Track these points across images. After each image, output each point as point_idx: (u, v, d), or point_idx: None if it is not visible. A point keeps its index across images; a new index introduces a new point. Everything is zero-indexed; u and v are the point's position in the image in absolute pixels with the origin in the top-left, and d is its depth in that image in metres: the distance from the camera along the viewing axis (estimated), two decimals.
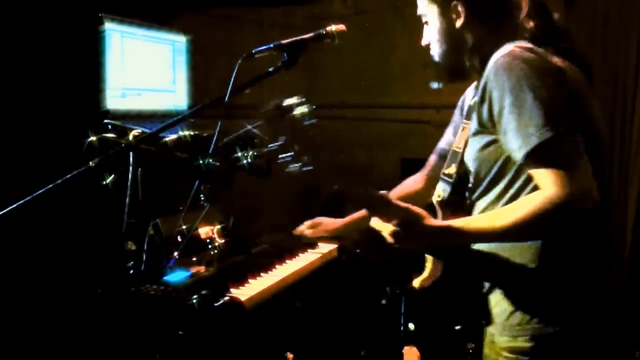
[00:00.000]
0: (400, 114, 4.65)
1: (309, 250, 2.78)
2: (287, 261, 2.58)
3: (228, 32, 4.35)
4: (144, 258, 2.16)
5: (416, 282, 1.70)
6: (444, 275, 1.67)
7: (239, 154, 2.35)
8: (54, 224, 2.27)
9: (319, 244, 2.87)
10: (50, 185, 1.55)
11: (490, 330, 1.67)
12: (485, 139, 1.56)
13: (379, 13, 4.64)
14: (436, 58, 1.71)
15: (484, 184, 1.61)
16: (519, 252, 1.55)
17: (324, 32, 1.86)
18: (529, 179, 1.49)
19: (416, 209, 1.52)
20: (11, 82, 2.39)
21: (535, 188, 1.46)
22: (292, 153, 1.44)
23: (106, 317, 2.01)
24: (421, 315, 1.78)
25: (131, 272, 2.10)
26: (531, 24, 1.61)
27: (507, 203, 1.55)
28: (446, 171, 1.73)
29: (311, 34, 1.86)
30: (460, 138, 1.74)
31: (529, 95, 1.43)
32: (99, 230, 2.31)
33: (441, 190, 1.73)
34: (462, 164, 1.69)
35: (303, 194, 4.90)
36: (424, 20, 1.72)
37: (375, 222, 1.54)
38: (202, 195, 2.35)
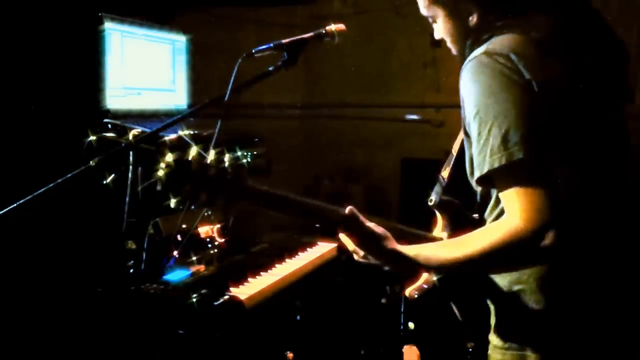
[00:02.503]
0: (400, 113, 4.66)
1: (308, 249, 2.79)
2: (287, 260, 2.58)
3: (228, 31, 4.35)
4: (144, 257, 2.16)
5: (407, 291, 1.64)
6: (441, 283, 1.60)
7: (239, 153, 2.35)
8: (54, 223, 2.27)
9: (319, 243, 2.87)
10: (51, 185, 1.55)
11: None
12: (470, 149, 1.46)
13: (379, 13, 4.64)
14: (455, 52, 1.61)
15: (480, 190, 1.54)
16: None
17: (324, 32, 1.86)
18: None
19: (379, 229, 1.49)
20: (11, 82, 2.39)
21: None
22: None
23: (106, 316, 2.01)
24: (421, 314, 1.76)
25: (131, 271, 2.11)
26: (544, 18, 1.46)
27: (500, 215, 1.44)
28: (442, 173, 1.70)
29: (311, 34, 1.85)
30: (457, 140, 1.67)
31: (489, 111, 1.32)
32: (99, 229, 2.31)
33: (434, 194, 1.69)
34: (455, 167, 1.65)
35: (303, 193, 4.90)
36: (430, 20, 1.62)
37: (343, 237, 1.53)
38: None
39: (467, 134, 1.44)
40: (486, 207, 1.54)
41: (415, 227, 1.66)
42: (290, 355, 2.69)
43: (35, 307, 2.24)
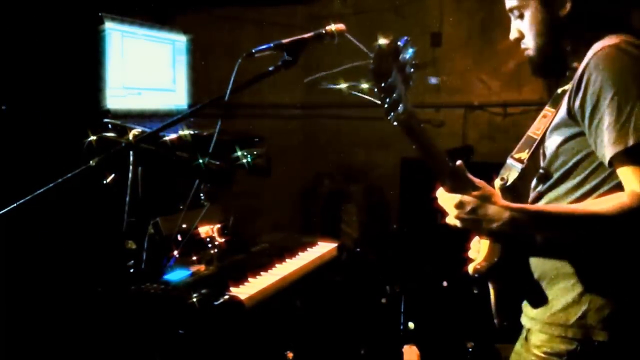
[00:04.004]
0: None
1: (308, 249, 2.79)
2: (286, 260, 2.58)
3: (228, 31, 4.35)
4: (144, 257, 2.16)
5: (470, 267, 1.60)
6: (502, 260, 1.58)
7: (239, 153, 2.35)
8: (54, 223, 2.27)
9: (319, 243, 2.88)
10: (51, 185, 1.55)
11: (528, 325, 1.62)
12: (570, 130, 1.52)
13: (379, 13, 4.64)
14: (531, 52, 1.63)
15: (557, 175, 1.56)
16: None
17: (324, 32, 1.86)
18: (606, 179, 1.47)
19: (490, 188, 1.50)
20: (12, 82, 2.39)
21: (611, 189, 1.44)
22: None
23: (106, 316, 2.01)
24: (421, 314, 1.74)
25: (131, 270, 2.11)
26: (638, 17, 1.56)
27: (577, 200, 1.50)
28: (516, 155, 1.65)
29: (311, 34, 1.85)
30: (539, 124, 1.67)
31: (632, 91, 1.39)
32: (100, 229, 2.31)
33: (507, 174, 1.64)
34: (537, 151, 1.64)
35: (303, 193, 4.91)
36: (516, 13, 1.64)
37: (443, 193, 1.49)
38: (202, 195, 2.35)
39: (573, 116, 1.48)
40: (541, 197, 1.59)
41: (414, 229, 1.64)
42: (290, 355, 2.69)
43: (36, 306, 2.24)
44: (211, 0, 4.20)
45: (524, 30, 1.63)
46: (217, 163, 2.26)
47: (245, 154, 2.35)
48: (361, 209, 4.71)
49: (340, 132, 4.88)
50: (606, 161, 1.42)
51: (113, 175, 2.02)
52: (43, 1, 2.48)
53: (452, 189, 1.48)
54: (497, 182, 1.64)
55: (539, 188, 1.61)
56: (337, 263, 2.89)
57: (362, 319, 3.36)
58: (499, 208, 1.46)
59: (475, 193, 1.47)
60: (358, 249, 4.09)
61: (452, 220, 1.50)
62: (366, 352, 3.29)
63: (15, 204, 1.53)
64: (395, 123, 1.44)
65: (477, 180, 1.52)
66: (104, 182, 2.00)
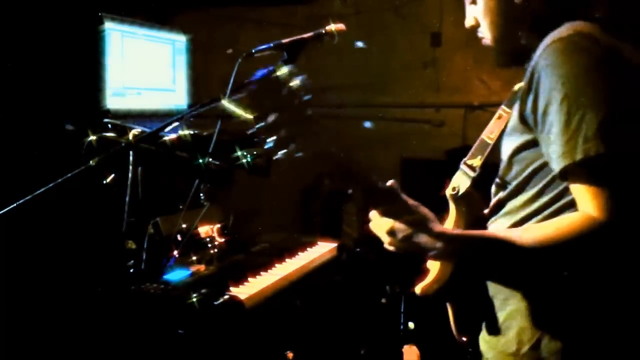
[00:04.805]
0: (400, 113, 4.66)
1: (308, 249, 2.78)
2: (286, 260, 2.58)
3: (228, 31, 4.35)
4: (144, 257, 2.16)
5: (418, 288, 1.50)
6: (452, 282, 1.48)
7: (239, 153, 2.35)
8: (54, 222, 2.27)
9: (319, 243, 2.87)
10: (51, 185, 1.55)
11: (484, 351, 1.50)
12: (523, 137, 1.35)
13: (379, 13, 4.64)
14: (488, 41, 1.47)
15: (513, 185, 1.41)
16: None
17: (324, 32, 1.85)
18: (564, 192, 1.30)
19: (425, 210, 1.35)
20: (12, 82, 2.39)
21: (572, 202, 1.27)
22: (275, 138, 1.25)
23: (106, 316, 2.01)
24: (421, 314, 1.72)
25: (131, 270, 2.11)
26: (604, 3, 1.37)
27: (535, 211, 1.35)
28: (469, 162, 1.53)
29: (311, 33, 1.85)
30: (494, 126, 1.54)
31: (583, 94, 1.20)
32: (99, 229, 2.31)
33: (458, 183, 1.53)
34: (490, 157, 1.51)
35: (303, 193, 4.91)
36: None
37: (376, 218, 1.37)
38: (202, 194, 2.35)
39: (525, 121, 1.32)
40: (501, 206, 1.45)
41: None
42: (290, 355, 2.69)
43: (36, 306, 2.24)
44: (211, 0, 4.20)
45: (479, 17, 1.48)
46: (217, 163, 2.26)
47: (245, 154, 2.34)
48: (361, 209, 4.71)
49: (340, 132, 4.88)
50: (557, 174, 1.26)
51: (113, 175, 2.02)
52: (43, 1, 2.48)
53: (385, 213, 1.35)
54: (449, 191, 1.54)
55: (499, 195, 1.47)
56: (337, 263, 2.89)
57: (362, 319, 3.35)
58: (433, 236, 1.32)
59: (408, 218, 1.33)
60: (358, 249, 4.09)
61: (387, 246, 1.38)
62: (366, 352, 3.29)
63: (15, 204, 1.53)
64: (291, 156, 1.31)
65: (411, 202, 1.36)
66: (104, 182, 2.00)
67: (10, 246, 2.16)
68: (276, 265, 2.50)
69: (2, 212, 1.52)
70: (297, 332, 2.78)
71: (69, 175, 1.58)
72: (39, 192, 1.54)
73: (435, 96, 4.65)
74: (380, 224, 1.37)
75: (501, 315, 1.44)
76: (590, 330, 1.32)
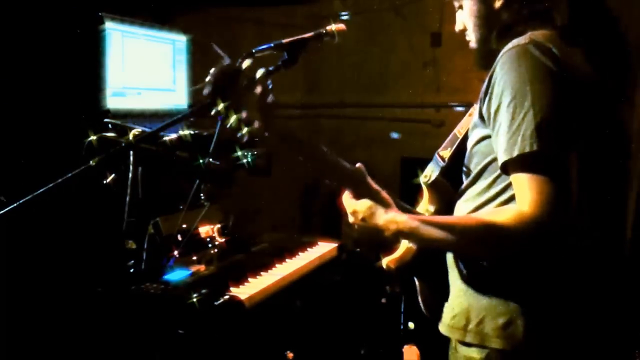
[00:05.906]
0: (400, 113, 4.66)
1: (308, 249, 2.79)
2: (287, 260, 2.59)
3: (228, 31, 4.35)
4: (144, 257, 2.16)
5: (384, 262, 1.62)
6: (415, 261, 1.60)
7: (240, 153, 2.35)
8: (54, 223, 2.27)
9: (319, 243, 2.88)
10: (51, 185, 1.55)
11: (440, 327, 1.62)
12: (482, 132, 1.49)
13: (379, 13, 4.64)
14: (473, 44, 1.63)
15: (472, 174, 1.55)
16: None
17: (324, 31, 1.86)
18: (508, 186, 1.42)
19: (385, 195, 1.49)
20: (12, 82, 2.39)
21: (513, 197, 1.38)
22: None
23: (106, 316, 2.01)
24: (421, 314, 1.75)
25: (131, 270, 2.11)
26: (566, 11, 1.51)
27: (488, 200, 1.49)
28: (441, 153, 1.69)
29: (311, 33, 1.85)
30: (465, 122, 1.68)
31: (527, 98, 1.34)
32: (100, 229, 2.31)
33: (430, 171, 1.70)
34: (458, 149, 1.65)
35: (303, 193, 4.91)
36: (456, 4, 1.65)
37: (345, 198, 1.52)
38: (202, 194, 2.35)
39: (483, 118, 1.46)
40: (464, 192, 1.58)
41: None
42: (290, 355, 2.69)
43: (36, 306, 2.24)
44: (211, 0, 4.20)
45: (465, 21, 1.62)
46: (217, 163, 2.26)
47: (245, 154, 2.35)
48: None
49: (340, 132, 4.88)
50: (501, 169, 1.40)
51: (113, 175, 2.02)
52: (43, 1, 2.48)
53: (355, 195, 1.50)
54: (422, 178, 1.70)
55: (465, 183, 1.60)
56: (337, 263, 2.89)
57: (362, 319, 3.35)
58: (388, 219, 1.44)
59: (367, 201, 1.47)
60: (358, 249, 4.09)
61: (351, 222, 1.51)
62: (366, 352, 3.29)
63: (15, 204, 1.53)
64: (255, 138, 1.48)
65: (374, 187, 1.51)
66: (104, 182, 2.00)
67: (10, 246, 2.16)
68: (276, 265, 2.50)
69: (2, 212, 1.52)
70: (297, 332, 2.78)
71: (69, 175, 1.58)
72: (39, 192, 1.54)
73: (435, 96, 4.65)
74: (346, 205, 1.52)
75: (452, 293, 1.58)
76: (529, 310, 1.44)
